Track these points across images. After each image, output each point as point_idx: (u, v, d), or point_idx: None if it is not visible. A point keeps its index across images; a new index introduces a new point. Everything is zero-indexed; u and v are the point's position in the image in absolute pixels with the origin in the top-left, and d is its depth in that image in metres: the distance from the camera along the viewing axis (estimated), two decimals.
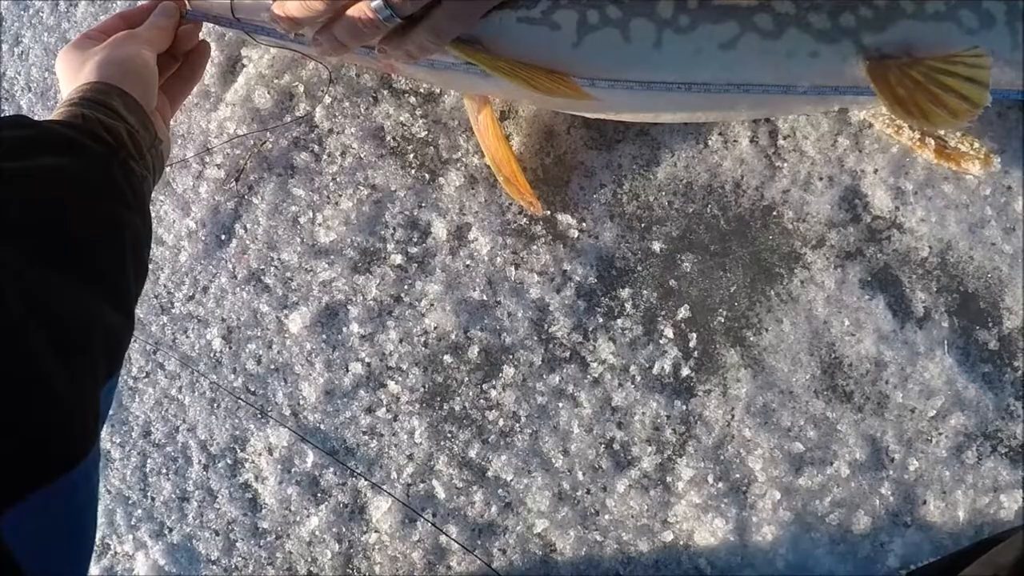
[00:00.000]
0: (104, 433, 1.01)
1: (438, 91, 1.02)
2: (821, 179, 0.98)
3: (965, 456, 0.94)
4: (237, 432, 1.01)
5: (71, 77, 0.82)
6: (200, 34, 0.96)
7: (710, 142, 1.00)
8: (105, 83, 0.79)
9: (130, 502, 1.01)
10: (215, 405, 1.01)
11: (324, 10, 0.79)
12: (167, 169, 1.01)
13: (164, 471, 1.01)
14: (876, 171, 0.97)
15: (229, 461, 1.00)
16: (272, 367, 1.01)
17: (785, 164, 0.99)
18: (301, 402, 1.00)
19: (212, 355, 1.02)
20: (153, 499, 1.01)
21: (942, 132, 0.93)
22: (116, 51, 0.82)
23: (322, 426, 0.99)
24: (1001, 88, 0.85)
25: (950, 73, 0.81)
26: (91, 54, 0.83)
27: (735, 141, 0.99)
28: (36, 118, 0.76)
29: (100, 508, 1.00)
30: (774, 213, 0.99)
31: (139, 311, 1.01)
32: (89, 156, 0.71)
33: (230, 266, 1.03)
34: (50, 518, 0.58)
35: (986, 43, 0.82)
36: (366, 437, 0.99)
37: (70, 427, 0.58)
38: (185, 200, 1.03)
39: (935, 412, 0.94)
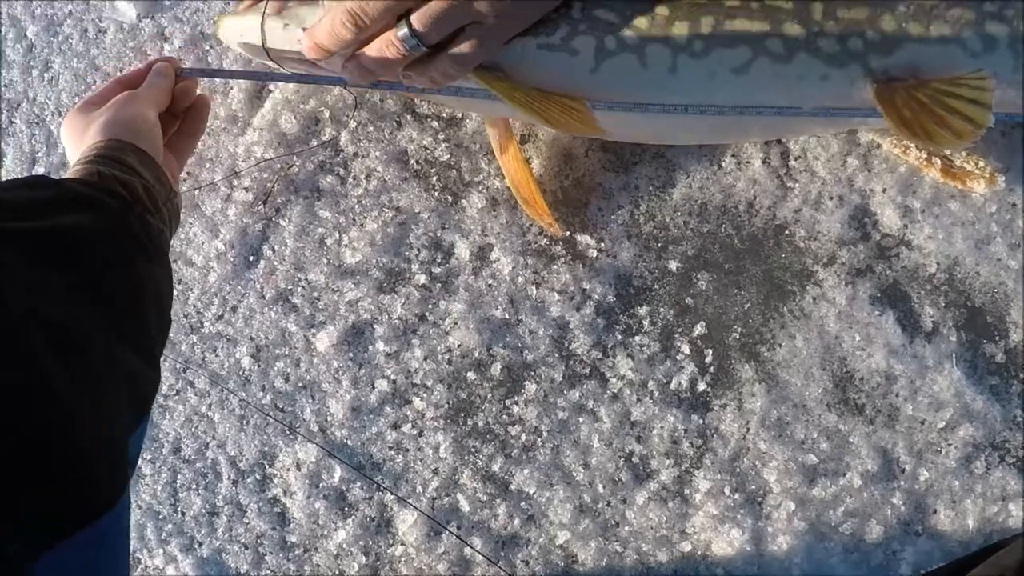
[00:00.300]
0: None
1: (460, 115, 1.03)
2: (831, 198, 0.98)
3: (974, 466, 0.94)
4: (266, 448, 1.01)
5: (77, 141, 0.83)
6: (198, 89, 0.97)
7: (724, 164, 1.00)
8: (117, 139, 0.80)
9: (160, 517, 1.02)
10: (244, 422, 1.02)
11: (352, 40, 0.81)
12: (195, 192, 1.03)
13: (194, 486, 1.02)
14: (885, 190, 0.98)
15: (258, 476, 1.01)
16: (300, 384, 1.01)
17: (796, 184, 0.99)
18: (328, 418, 1.00)
19: (241, 373, 1.02)
20: (183, 514, 1.02)
21: (948, 152, 0.94)
22: (120, 111, 0.83)
23: (349, 442, 1.00)
24: (1004, 110, 0.85)
25: (954, 95, 0.81)
26: (95, 117, 0.83)
27: (748, 162, 1.00)
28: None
29: (130, 522, 1.02)
30: (786, 232, 0.99)
31: (169, 331, 1.02)
32: (107, 211, 0.72)
33: (258, 286, 1.03)
34: (81, 566, 0.58)
35: (989, 65, 0.83)
36: (392, 452, 1.00)
37: (70, 427, 0.58)
38: (214, 222, 1.04)
39: (944, 424, 0.95)
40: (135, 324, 0.69)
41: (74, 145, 0.84)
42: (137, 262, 0.72)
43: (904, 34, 0.83)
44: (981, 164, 0.94)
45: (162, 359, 0.99)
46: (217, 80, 1.05)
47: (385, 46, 0.80)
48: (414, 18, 0.77)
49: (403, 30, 0.79)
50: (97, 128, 0.81)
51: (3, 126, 1.10)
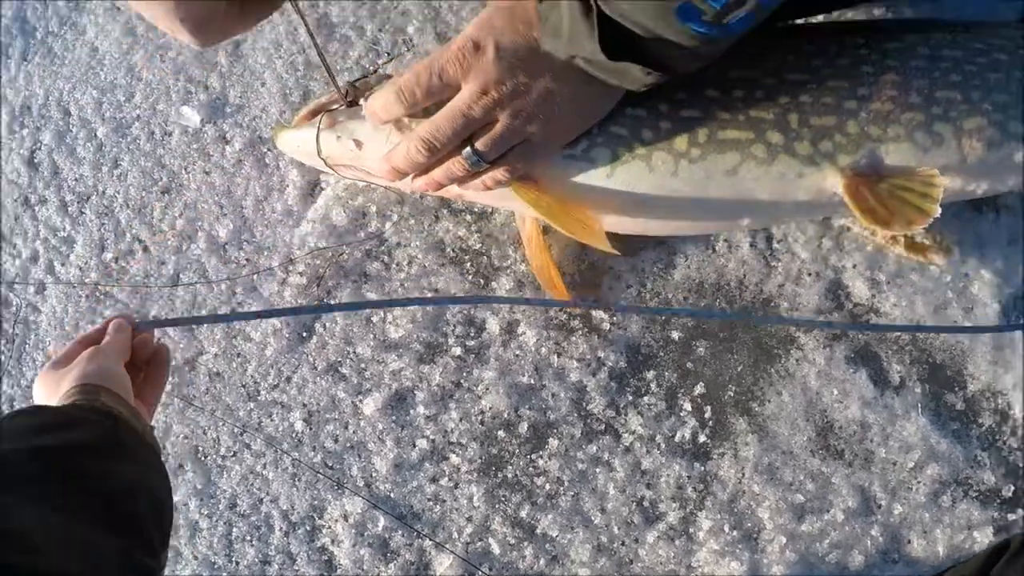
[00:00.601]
0: (193, 505, 1.06)
1: (489, 210, 1.10)
2: (810, 275, 1.05)
3: (941, 500, 1.00)
4: (316, 502, 1.05)
5: (50, 397, 0.83)
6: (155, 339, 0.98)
7: (717, 248, 1.07)
8: (91, 383, 0.80)
9: (216, 567, 1.05)
10: (296, 479, 1.06)
11: (425, 163, 0.90)
12: (254, 277, 1.10)
13: (248, 538, 1.05)
14: (855, 266, 1.04)
15: (308, 528, 1.05)
16: (348, 445, 1.06)
17: (779, 263, 1.06)
18: (373, 474, 1.05)
19: (294, 435, 1.07)
20: (237, 563, 1.05)
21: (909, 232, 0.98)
22: (88, 365, 0.83)
23: (392, 494, 1.04)
24: (952, 197, 0.93)
25: (908, 189, 0.88)
26: (64, 373, 0.83)
27: (738, 246, 1.07)
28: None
29: (186, 574, 1.06)
30: (772, 304, 1.05)
31: (228, 399, 1.08)
32: (101, 428, 0.75)
33: (311, 359, 1.08)
34: None
35: (937, 160, 0.90)
36: (430, 503, 1.04)
37: None
38: (271, 303, 1.09)
39: (914, 464, 1.01)
40: (126, 518, 0.71)
41: (47, 400, 0.83)
42: (129, 466, 0.75)
43: (866, 136, 0.90)
44: (938, 239, 1.02)
45: (220, 424, 1.07)
46: (274, 177, 1.13)
47: (452, 164, 0.90)
48: (479, 143, 0.87)
49: (467, 150, 0.88)
50: (70, 380, 0.81)
51: (74, 216, 1.16)
